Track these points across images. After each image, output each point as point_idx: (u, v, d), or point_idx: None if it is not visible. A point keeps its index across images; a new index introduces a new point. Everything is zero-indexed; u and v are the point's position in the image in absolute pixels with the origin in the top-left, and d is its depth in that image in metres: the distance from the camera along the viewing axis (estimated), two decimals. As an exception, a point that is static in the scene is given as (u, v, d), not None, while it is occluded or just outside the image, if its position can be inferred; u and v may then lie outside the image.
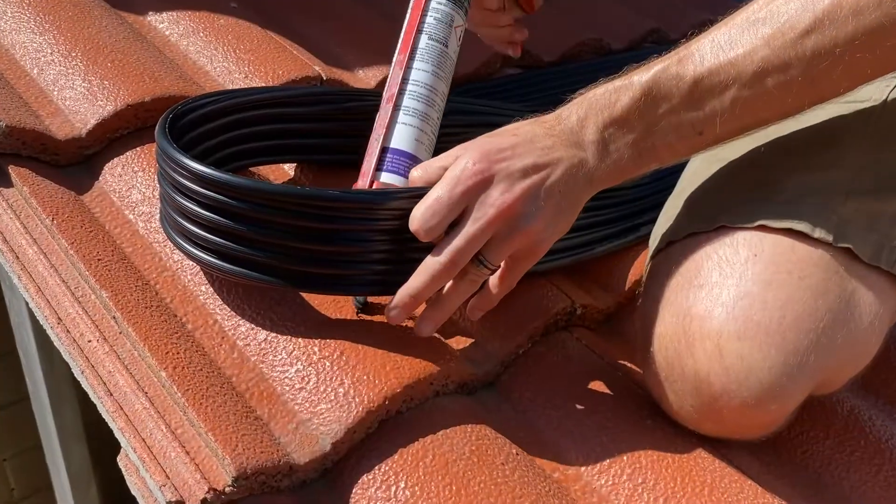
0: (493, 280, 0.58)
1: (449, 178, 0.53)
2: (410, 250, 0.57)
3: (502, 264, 0.57)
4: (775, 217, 0.55)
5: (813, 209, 0.55)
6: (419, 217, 0.53)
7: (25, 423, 1.36)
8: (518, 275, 0.58)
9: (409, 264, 0.56)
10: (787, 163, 0.59)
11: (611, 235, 0.74)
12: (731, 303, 0.53)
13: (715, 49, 0.52)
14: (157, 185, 0.64)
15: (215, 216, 0.54)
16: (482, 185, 0.52)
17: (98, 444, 1.17)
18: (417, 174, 0.56)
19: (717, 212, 0.58)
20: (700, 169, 0.64)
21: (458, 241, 0.53)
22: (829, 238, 0.54)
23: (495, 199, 0.52)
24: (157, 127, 0.60)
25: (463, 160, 0.53)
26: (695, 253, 0.56)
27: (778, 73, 0.50)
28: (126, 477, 0.51)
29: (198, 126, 0.63)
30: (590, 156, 0.55)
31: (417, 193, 0.55)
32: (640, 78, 0.54)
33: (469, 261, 0.54)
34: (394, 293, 0.56)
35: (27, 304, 1.01)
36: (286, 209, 0.54)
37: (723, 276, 0.54)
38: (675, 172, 0.81)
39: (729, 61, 0.51)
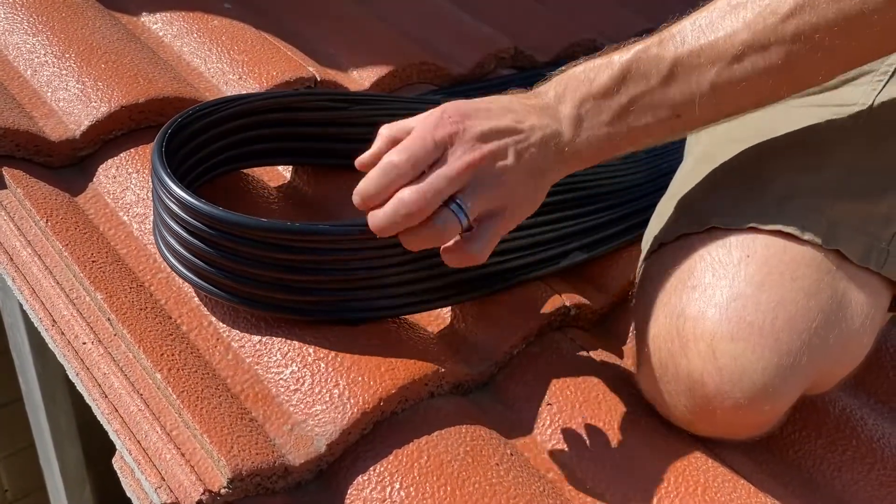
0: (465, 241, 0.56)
1: (428, 122, 0.52)
2: (396, 274, 0.58)
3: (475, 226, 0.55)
4: (766, 219, 0.55)
5: (803, 211, 0.55)
6: (397, 150, 0.52)
7: (18, 424, 1.36)
8: (489, 238, 0.55)
9: (398, 287, 0.57)
10: (777, 164, 0.59)
11: (603, 239, 0.75)
12: (725, 304, 0.53)
13: (696, 31, 0.52)
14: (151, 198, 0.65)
15: (198, 242, 0.55)
16: (458, 134, 0.52)
17: (92, 446, 1.16)
18: (386, 131, 0.55)
19: (708, 214, 0.58)
20: (692, 170, 0.64)
21: (432, 177, 0.51)
22: (819, 240, 0.54)
23: (470, 148, 0.52)
24: (154, 143, 0.61)
25: (440, 110, 0.53)
26: (687, 254, 0.57)
27: (757, 56, 0.51)
28: (121, 479, 0.51)
29: (197, 136, 0.64)
30: (564, 128, 0.55)
31: None
32: (620, 57, 0.54)
33: (444, 205, 0.52)
34: (383, 317, 0.58)
35: (21, 305, 1.01)
36: (267, 242, 0.55)
37: (716, 277, 0.54)
38: (667, 174, 0.82)
39: (709, 43, 0.52)
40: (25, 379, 1.10)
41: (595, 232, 0.74)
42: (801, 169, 0.58)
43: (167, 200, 0.57)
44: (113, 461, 0.51)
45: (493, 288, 0.65)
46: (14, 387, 1.22)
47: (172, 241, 0.58)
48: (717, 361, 0.52)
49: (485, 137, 0.52)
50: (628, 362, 0.68)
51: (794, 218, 0.55)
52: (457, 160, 0.52)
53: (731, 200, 0.58)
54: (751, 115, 0.63)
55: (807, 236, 0.54)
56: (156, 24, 0.89)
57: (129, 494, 0.50)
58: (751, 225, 0.55)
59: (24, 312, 1.02)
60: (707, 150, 0.64)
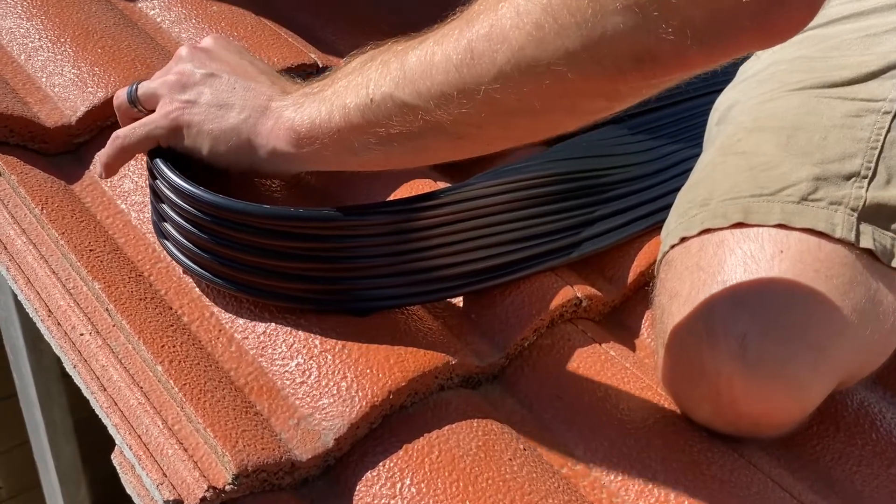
0: None
1: None
2: (403, 262, 0.57)
3: None
4: (795, 216, 0.54)
5: (833, 209, 0.54)
6: None
7: (12, 420, 1.33)
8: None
9: (406, 276, 0.56)
10: (803, 158, 0.57)
11: (613, 229, 0.73)
12: (758, 300, 0.51)
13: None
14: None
15: (199, 231, 0.54)
16: None
17: (88, 442, 1.14)
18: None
19: (733, 208, 0.56)
20: (716, 161, 0.62)
21: None
22: (851, 238, 0.53)
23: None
24: None
25: None
26: (716, 248, 0.55)
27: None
28: (121, 475, 0.49)
29: None
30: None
31: (402, 208, 0.56)
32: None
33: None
34: (390, 308, 0.57)
35: (15, 297, 0.99)
36: (271, 230, 0.53)
37: (748, 272, 0.52)
38: (677, 164, 0.80)
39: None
40: (20, 374, 1.08)
41: (605, 222, 0.72)
42: (828, 164, 0.56)
43: (165, 189, 0.55)
44: (112, 457, 0.49)
45: (503, 278, 0.63)
46: (7, 383, 1.20)
47: (172, 231, 0.56)
48: (748, 359, 0.50)
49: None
50: (640, 355, 0.66)
51: (824, 215, 0.54)
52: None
53: (759, 195, 0.56)
54: (777, 104, 0.62)
55: (838, 234, 0.53)
56: (153, 9, 0.87)
57: (129, 491, 0.48)
58: (779, 222, 0.54)
59: (18, 307, 0.99)
60: (731, 141, 0.62)
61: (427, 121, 0.48)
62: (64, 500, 1.15)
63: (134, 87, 0.61)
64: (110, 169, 0.61)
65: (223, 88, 0.58)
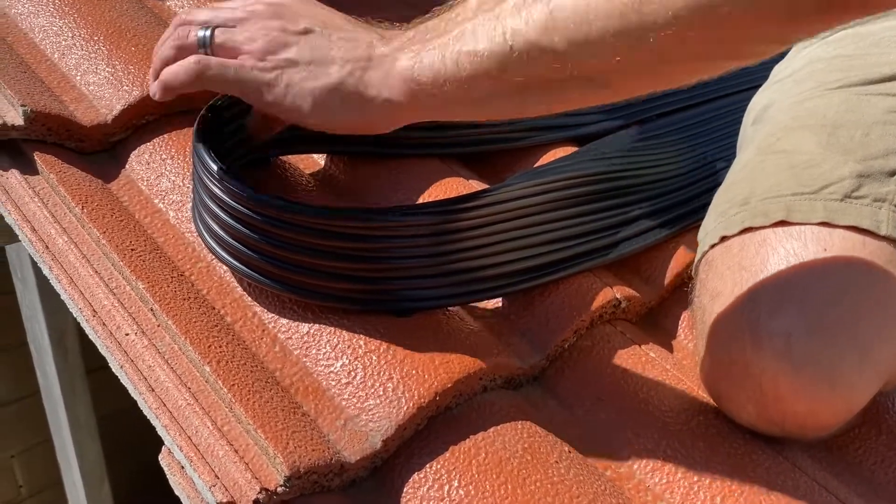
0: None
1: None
2: (444, 263, 0.57)
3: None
4: (838, 213, 0.53)
5: (877, 206, 0.54)
6: None
7: (33, 418, 1.34)
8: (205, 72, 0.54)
9: (448, 276, 0.56)
10: (845, 156, 0.57)
11: (650, 229, 0.72)
12: (803, 298, 0.51)
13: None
14: (191, 182, 0.63)
15: (245, 229, 0.54)
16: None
17: (112, 440, 1.14)
18: None
19: (775, 207, 0.56)
20: (753, 161, 0.62)
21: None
22: None
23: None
24: (194, 128, 0.59)
25: None
26: (758, 247, 0.54)
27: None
28: (169, 476, 0.49)
29: (235, 120, 0.62)
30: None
31: (445, 209, 0.55)
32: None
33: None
34: (432, 308, 0.57)
35: (40, 295, 0.99)
36: (318, 229, 0.53)
37: (791, 270, 0.52)
38: (711, 163, 0.80)
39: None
40: (44, 373, 1.08)
41: (642, 222, 0.72)
42: (871, 161, 0.56)
43: (212, 186, 0.55)
44: (160, 457, 0.49)
45: (542, 279, 0.63)
46: (27, 382, 1.20)
47: (218, 229, 0.56)
48: (793, 358, 0.50)
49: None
50: (678, 356, 0.66)
51: (868, 213, 0.53)
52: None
53: (800, 193, 0.56)
54: (817, 102, 0.62)
55: (884, 231, 0.52)
56: (182, 8, 0.86)
57: (177, 493, 0.48)
58: (822, 220, 0.53)
59: (43, 304, 0.99)
60: (770, 140, 0.62)
61: (576, 71, 0.45)
62: (87, 497, 1.15)
63: (210, 31, 0.55)
64: (169, 91, 0.56)
65: (321, 44, 0.54)
